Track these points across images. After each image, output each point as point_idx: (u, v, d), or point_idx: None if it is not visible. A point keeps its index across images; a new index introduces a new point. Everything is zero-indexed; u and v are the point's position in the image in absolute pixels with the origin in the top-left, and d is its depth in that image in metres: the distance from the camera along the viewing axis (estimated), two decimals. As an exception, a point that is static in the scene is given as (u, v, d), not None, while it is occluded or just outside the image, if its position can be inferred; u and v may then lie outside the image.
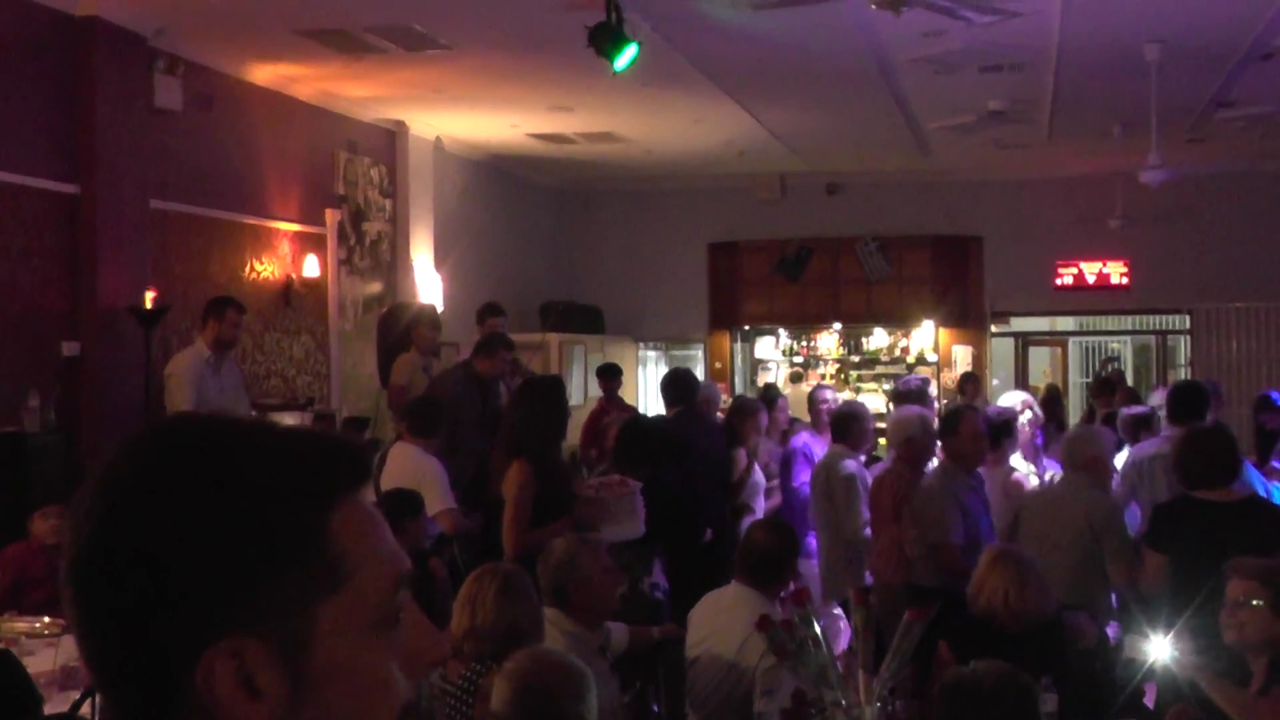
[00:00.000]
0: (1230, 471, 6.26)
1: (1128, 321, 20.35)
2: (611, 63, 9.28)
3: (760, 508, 9.19)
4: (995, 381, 18.46)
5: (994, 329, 19.25)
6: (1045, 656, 4.91)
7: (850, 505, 8.26)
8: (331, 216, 13.06)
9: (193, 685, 1.12)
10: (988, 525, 7.30)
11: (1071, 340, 20.99)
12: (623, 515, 6.97)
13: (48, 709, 4.61)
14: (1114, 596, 7.08)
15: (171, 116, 10.44)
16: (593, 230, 19.63)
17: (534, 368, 12.26)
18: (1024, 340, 19.74)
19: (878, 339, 19.50)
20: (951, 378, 17.21)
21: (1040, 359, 20.47)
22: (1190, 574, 5.72)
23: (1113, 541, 6.78)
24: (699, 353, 19.67)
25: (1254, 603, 4.64)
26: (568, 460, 9.44)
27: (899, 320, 19.09)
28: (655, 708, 6.37)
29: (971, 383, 14.29)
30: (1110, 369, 19.14)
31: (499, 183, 17.20)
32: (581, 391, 15.99)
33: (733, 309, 19.52)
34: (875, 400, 17.13)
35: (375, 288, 13.94)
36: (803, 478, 9.46)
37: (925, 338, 19.10)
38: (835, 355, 19.68)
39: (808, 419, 10.58)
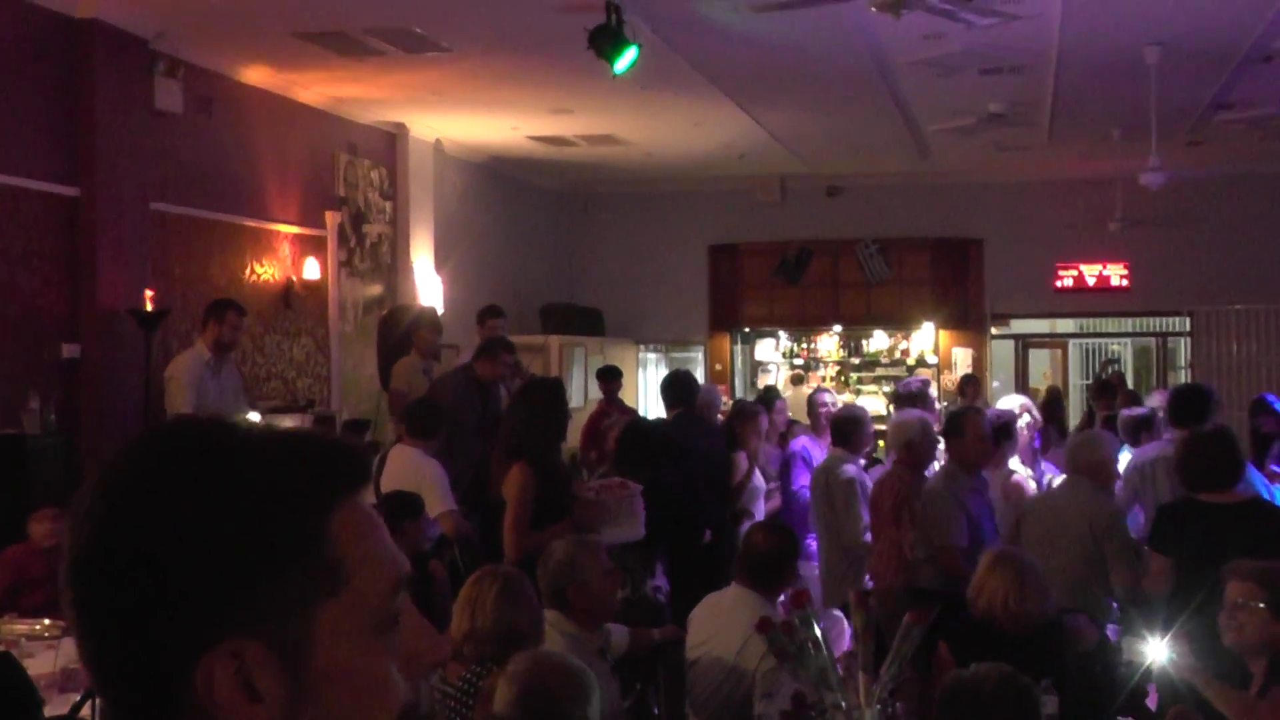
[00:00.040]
0: (1233, 474, 6.26)
1: (1128, 324, 20.34)
2: (611, 65, 9.28)
3: (760, 512, 9.19)
4: (995, 384, 18.46)
5: (994, 331, 19.25)
6: (1045, 659, 4.91)
7: (850, 510, 8.26)
8: (332, 219, 13.07)
9: (192, 687, 1.13)
10: (991, 528, 7.29)
11: (1072, 342, 20.98)
12: (623, 517, 6.97)
13: (48, 711, 4.61)
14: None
15: (172, 119, 10.44)
16: (593, 232, 19.63)
17: (534, 370, 12.26)
18: (1024, 342, 19.74)
19: (878, 341, 19.50)
20: (952, 380, 17.21)
21: (1040, 361, 20.47)
22: (1193, 576, 5.72)
23: (1115, 546, 6.77)
24: (699, 355, 19.67)
25: (1252, 605, 4.64)
26: (567, 462, 9.43)
27: (899, 322, 19.09)
28: (655, 710, 6.37)
29: (971, 385, 14.28)
30: (1110, 371, 19.15)
31: (499, 185, 17.20)
32: (581, 393, 15.99)
33: (733, 311, 19.51)
34: (875, 402, 17.15)
35: (375, 290, 13.94)
36: (802, 481, 9.46)
37: (925, 340, 19.09)
38: (835, 357, 19.68)
39: (807, 422, 10.58)
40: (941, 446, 8.83)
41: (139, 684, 1.15)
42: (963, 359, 18.71)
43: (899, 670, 4.27)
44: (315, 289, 12.64)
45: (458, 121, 14.33)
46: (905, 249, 18.71)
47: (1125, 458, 8.54)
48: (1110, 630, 6.69)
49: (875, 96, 12.94)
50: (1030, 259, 18.39)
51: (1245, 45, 10.92)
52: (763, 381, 18.69)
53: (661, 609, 6.93)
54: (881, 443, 10.44)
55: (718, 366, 19.51)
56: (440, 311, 12.91)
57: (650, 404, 17.56)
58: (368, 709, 1.20)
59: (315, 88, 12.36)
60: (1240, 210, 17.48)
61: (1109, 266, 18.45)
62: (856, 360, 19.57)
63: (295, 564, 1.16)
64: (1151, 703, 6.14)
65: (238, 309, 9.26)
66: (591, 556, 5.37)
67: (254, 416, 8.94)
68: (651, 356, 19.78)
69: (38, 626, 5.93)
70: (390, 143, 14.31)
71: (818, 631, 4.26)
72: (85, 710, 4.54)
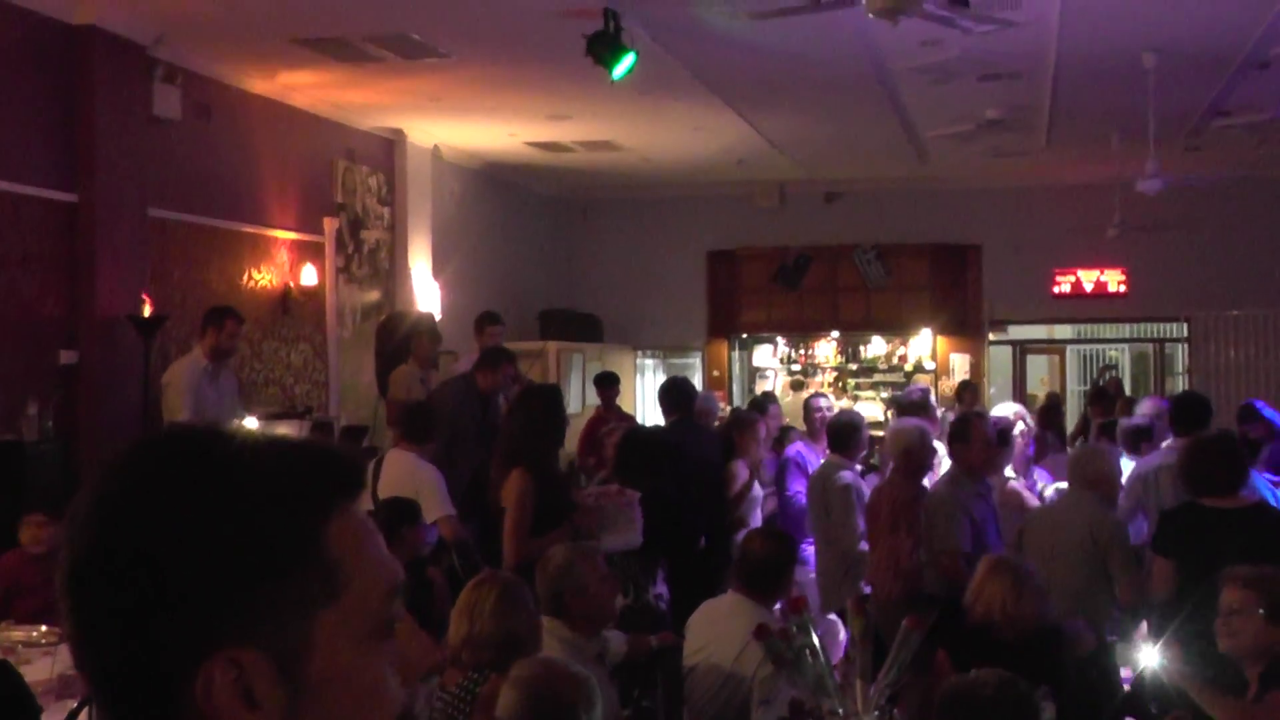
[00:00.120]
0: (1236, 479, 6.24)
1: (1125, 329, 20.38)
2: (610, 71, 9.29)
3: (757, 520, 9.17)
4: (993, 390, 18.46)
5: (992, 337, 19.26)
6: (1043, 664, 4.91)
7: (847, 517, 8.25)
8: (330, 225, 13.07)
9: (191, 693, 1.13)
10: (995, 533, 7.28)
11: (1069, 348, 21.02)
12: (621, 524, 6.97)
13: (45, 718, 4.61)
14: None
15: (170, 125, 10.44)
16: (591, 238, 19.64)
17: (532, 376, 12.26)
18: (1022, 348, 19.75)
19: (876, 347, 19.50)
20: (949, 386, 17.21)
21: (1038, 367, 20.50)
22: (1195, 580, 5.70)
23: (1118, 558, 6.74)
24: (697, 361, 19.68)
25: (1248, 610, 4.64)
26: (565, 469, 9.43)
27: (897, 328, 19.10)
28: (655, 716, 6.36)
29: (969, 391, 14.27)
30: (1108, 377, 19.16)
31: (497, 191, 17.21)
32: (579, 400, 15.99)
33: (731, 317, 19.52)
34: (873, 408, 17.15)
35: (373, 296, 13.94)
36: (796, 486, 9.46)
37: (923, 346, 19.10)
38: (833, 363, 19.68)
39: (804, 427, 10.58)
40: (942, 453, 8.84)
41: (137, 689, 1.15)
42: (960, 365, 18.72)
43: (897, 676, 4.28)
44: (313, 295, 12.64)
45: (456, 128, 14.34)
46: (903, 255, 18.73)
47: (1125, 466, 8.51)
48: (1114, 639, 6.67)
49: (873, 102, 12.95)
50: (1028, 265, 18.41)
51: (1243, 51, 10.93)
52: (761, 387, 18.69)
53: (663, 616, 6.93)
54: (876, 448, 10.43)
55: (715, 372, 19.51)
56: (438, 318, 12.94)
57: (648, 410, 17.55)
58: (365, 715, 1.21)
59: (313, 94, 12.37)
60: (1238, 216, 17.50)
61: (1107, 272, 18.47)
62: (854, 366, 19.57)
63: (293, 570, 1.16)
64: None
65: (236, 316, 9.26)
66: (589, 563, 5.37)
67: (251, 423, 8.95)
68: (649, 362, 19.78)
69: (35, 633, 5.92)
70: (388, 149, 14.31)
71: (815, 638, 4.26)
72: (83, 717, 4.54)
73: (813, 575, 8.68)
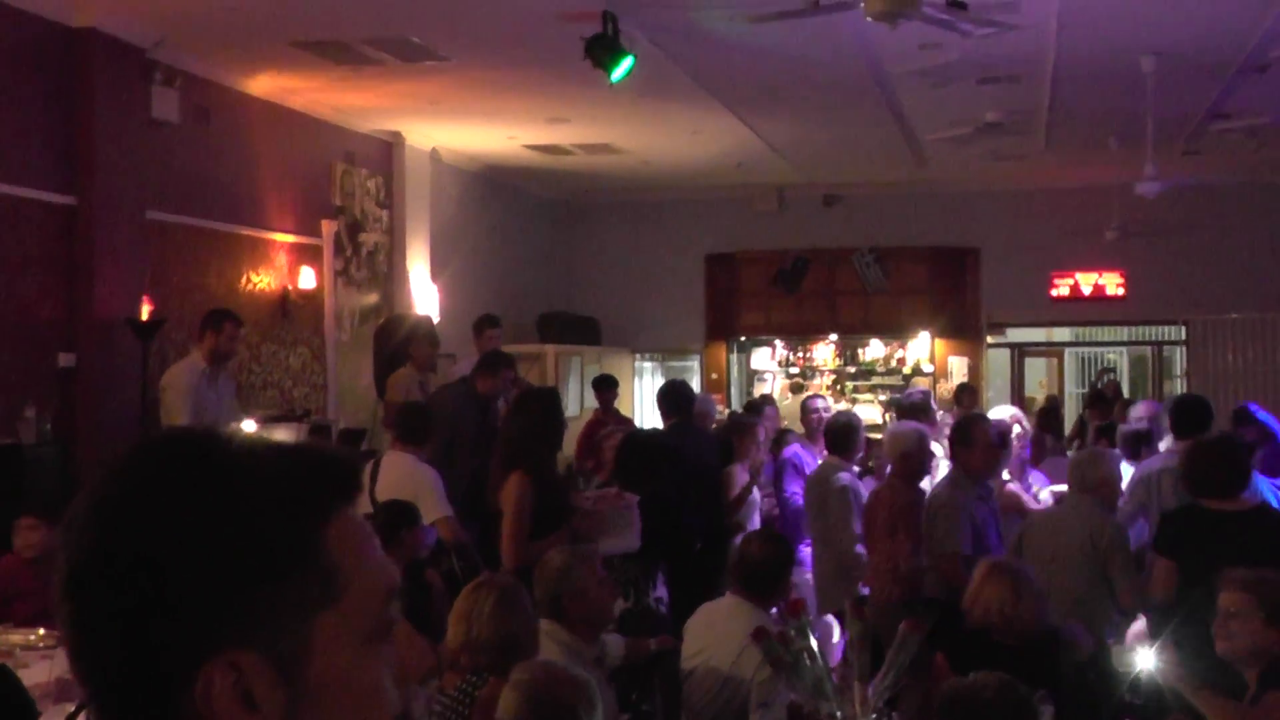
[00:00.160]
0: (1238, 481, 6.23)
1: (1123, 332, 20.40)
2: (608, 74, 9.29)
3: (755, 524, 9.16)
4: (991, 393, 18.47)
5: (990, 340, 19.27)
6: (1041, 668, 4.91)
7: (844, 519, 8.24)
8: (328, 227, 13.07)
9: (189, 697, 1.13)
10: (996, 537, 7.27)
11: (1067, 351, 21.04)
12: (620, 528, 6.96)
13: (43, 721, 4.61)
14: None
15: (169, 128, 10.44)
16: (589, 241, 19.65)
17: (530, 379, 12.26)
18: (1020, 351, 19.76)
19: (874, 350, 19.51)
20: (948, 388, 17.22)
21: (1036, 370, 20.51)
22: (1197, 583, 5.69)
23: (1118, 564, 6.73)
24: (695, 364, 19.69)
25: (1245, 613, 4.64)
26: (563, 472, 9.42)
27: (895, 331, 19.11)
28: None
29: (968, 394, 14.28)
30: (1106, 380, 19.17)
31: (496, 194, 17.21)
32: (578, 403, 16.00)
33: (730, 320, 19.53)
34: (871, 411, 17.15)
35: (372, 299, 13.94)
36: (793, 487, 9.47)
37: (921, 348, 19.11)
38: (832, 366, 19.69)
39: (801, 429, 10.59)
40: (940, 456, 8.84)
41: (136, 692, 1.15)
42: (959, 368, 18.73)
43: (895, 679, 4.28)
44: (311, 298, 12.64)
45: (454, 131, 14.34)
46: (902, 258, 18.75)
47: (1125, 472, 8.47)
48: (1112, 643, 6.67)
49: (872, 106, 12.96)
50: (1026, 268, 18.42)
51: (1241, 54, 10.94)
52: (759, 390, 18.69)
53: (663, 619, 6.93)
54: (874, 451, 10.42)
55: (714, 375, 19.52)
56: (436, 321, 12.93)
57: (647, 413, 17.56)
58: (363, 718, 1.21)
59: (312, 97, 12.37)
60: (1236, 219, 17.51)
61: (1105, 275, 18.48)
62: (852, 369, 19.58)
63: (293, 573, 1.17)
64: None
65: (234, 320, 9.24)
66: (587, 566, 5.36)
67: (249, 426, 8.94)
68: (648, 365, 19.80)
69: (32, 637, 5.92)
70: (387, 152, 14.31)
71: (813, 641, 4.26)
72: (80, 720, 4.54)
73: (809, 576, 8.67)
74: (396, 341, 11.64)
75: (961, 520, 7.07)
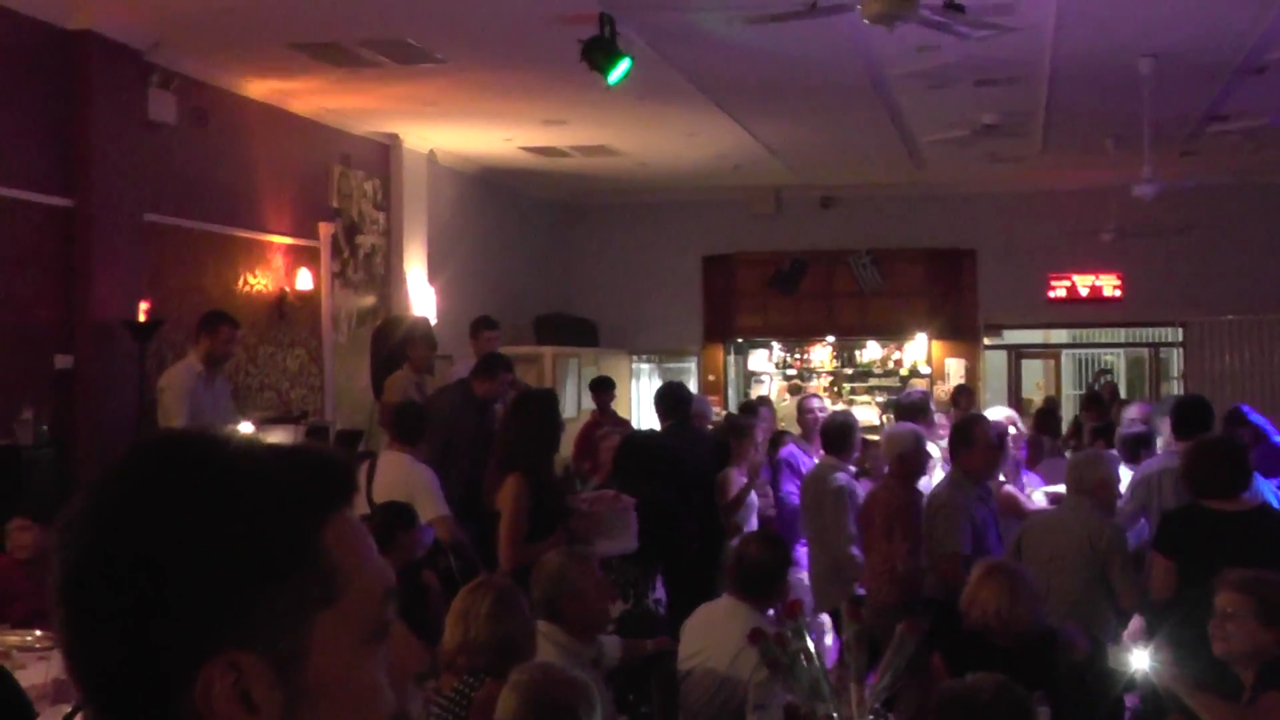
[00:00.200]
0: (1241, 481, 6.23)
1: (1120, 334, 20.41)
2: (605, 76, 9.30)
3: (752, 526, 9.17)
4: (988, 395, 18.47)
5: (987, 342, 19.28)
6: (1038, 669, 4.91)
7: (839, 518, 8.23)
8: (325, 229, 13.07)
9: (188, 698, 1.13)
10: (995, 537, 7.27)
11: (1064, 353, 21.04)
12: (617, 529, 6.97)
13: (40, 723, 4.60)
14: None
15: (166, 130, 10.44)
16: (587, 243, 19.66)
17: (528, 381, 12.25)
18: (1017, 353, 19.77)
19: (871, 351, 19.52)
20: (945, 390, 17.23)
21: (1033, 372, 20.51)
22: (1196, 582, 5.69)
23: (1118, 565, 6.72)
24: (693, 365, 19.70)
25: (1241, 614, 4.64)
26: (561, 474, 9.42)
27: (892, 333, 19.12)
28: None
29: (965, 395, 14.28)
30: (1103, 382, 19.18)
31: (493, 196, 17.21)
32: (575, 405, 15.99)
33: (727, 322, 19.54)
34: (868, 413, 17.16)
35: (369, 301, 13.94)
36: (789, 487, 9.48)
37: (918, 350, 19.12)
38: (829, 368, 19.70)
39: (798, 430, 10.59)
40: (936, 456, 8.84)
41: (135, 693, 1.15)
42: (956, 369, 18.75)
43: (892, 681, 4.28)
44: (308, 300, 12.64)
45: (451, 133, 14.34)
46: (899, 260, 18.77)
47: (1124, 475, 8.45)
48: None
49: (869, 108, 12.96)
50: (1023, 269, 18.44)
51: (1238, 56, 10.95)
52: (756, 392, 18.70)
53: (663, 621, 6.93)
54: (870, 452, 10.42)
55: (711, 377, 19.53)
56: (433, 322, 12.92)
57: (644, 415, 17.55)
58: (360, 718, 1.21)
59: (309, 99, 12.37)
60: (1233, 221, 17.53)
61: (1102, 277, 18.50)
62: (850, 371, 19.60)
63: (292, 573, 1.17)
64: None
65: (231, 322, 9.20)
66: (583, 567, 5.36)
67: (246, 428, 8.94)
68: (645, 367, 19.79)
69: (29, 638, 5.92)
70: (384, 154, 14.32)
71: (810, 643, 4.26)
72: (77, 721, 4.54)
73: (803, 575, 8.66)
74: (394, 343, 11.64)
75: (961, 521, 7.06)
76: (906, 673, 4.36)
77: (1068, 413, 18.87)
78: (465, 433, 9.07)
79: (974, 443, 7.37)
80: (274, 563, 1.16)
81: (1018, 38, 9.87)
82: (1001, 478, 8.73)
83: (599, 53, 9.15)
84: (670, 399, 9.58)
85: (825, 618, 7.83)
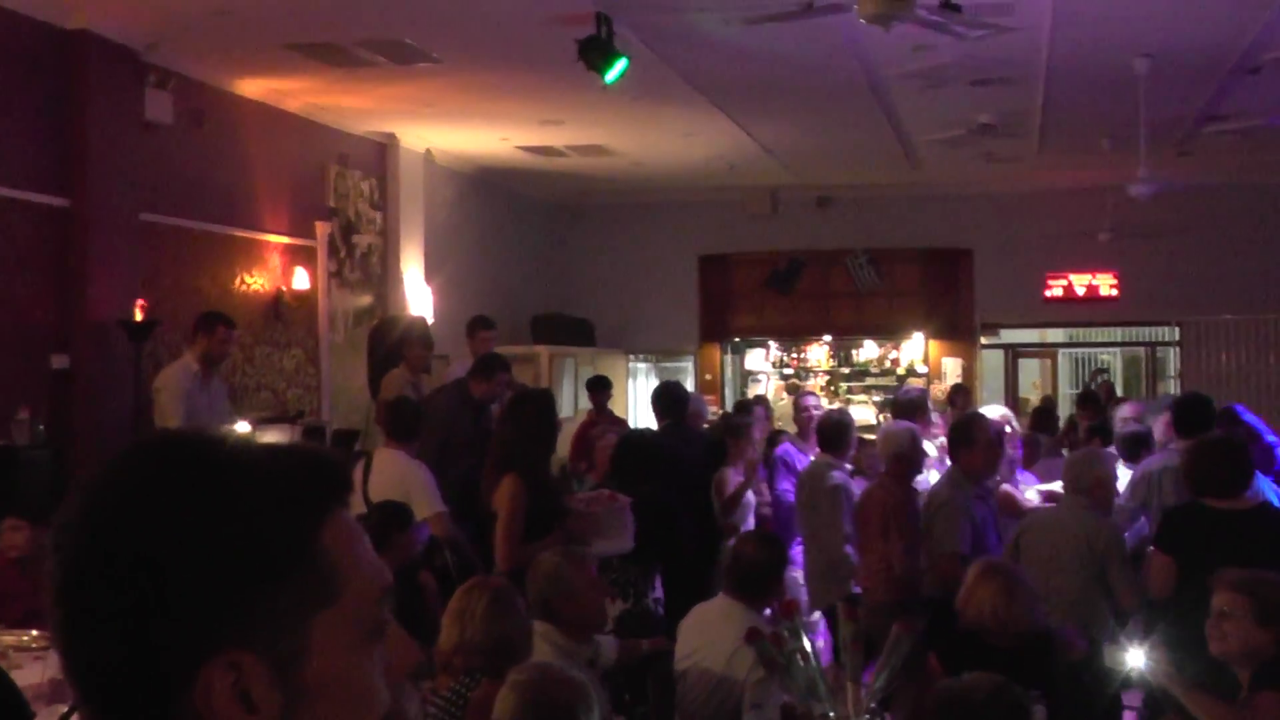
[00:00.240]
0: (1242, 480, 6.22)
1: (1117, 333, 20.42)
2: (602, 76, 9.30)
3: (749, 525, 9.18)
4: (985, 394, 18.47)
5: (984, 341, 19.28)
6: (1034, 669, 4.92)
7: (834, 518, 8.23)
8: (322, 229, 13.06)
9: (187, 699, 1.13)
10: (994, 537, 7.26)
11: (1061, 352, 21.05)
12: (613, 530, 6.97)
13: (36, 723, 4.60)
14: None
15: (162, 130, 10.43)
16: (583, 243, 19.65)
17: (524, 380, 12.25)
18: (1014, 352, 19.78)
19: (868, 351, 19.53)
20: (942, 389, 17.23)
21: (1030, 371, 20.52)
22: (1196, 580, 5.69)
23: (1116, 565, 6.71)
24: (689, 365, 19.69)
25: (1237, 614, 4.64)
26: (557, 473, 9.43)
27: (889, 332, 19.13)
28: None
29: (961, 394, 14.28)
30: (1100, 381, 19.18)
31: (490, 196, 17.21)
32: (571, 404, 16.00)
33: (723, 321, 19.55)
34: (865, 412, 17.17)
35: (365, 300, 13.94)
36: (785, 484, 9.48)
37: (915, 350, 19.13)
38: (825, 367, 19.71)
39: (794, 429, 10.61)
40: (932, 455, 8.84)
41: (133, 694, 1.15)
42: (952, 369, 18.75)
43: (888, 681, 4.28)
44: (305, 300, 12.63)
45: (448, 132, 14.34)
46: (895, 259, 18.78)
47: (1122, 474, 8.44)
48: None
49: (866, 108, 12.97)
50: (1020, 269, 18.45)
51: (1234, 57, 10.96)
52: (753, 391, 18.70)
53: (662, 621, 6.94)
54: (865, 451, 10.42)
55: (708, 376, 19.54)
56: (430, 322, 12.91)
57: (640, 414, 17.55)
58: (357, 718, 1.22)
59: (306, 99, 12.37)
60: (1229, 221, 17.53)
61: (1098, 277, 18.51)
62: (846, 370, 19.61)
63: (293, 573, 1.17)
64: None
65: (227, 323, 9.20)
66: (578, 567, 5.37)
67: (242, 428, 8.93)
68: (642, 367, 19.79)
69: (25, 638, 5.90)
70: (380, 153, 14.31)
71: (806, 643, 4.26)
72: (74, 721, 4.53)
73: (797, 573, 8.66)
74: (390, 343, 11.62)
75: (961, 520, 7.05)
76: (903, 672, 4.36)
77: (1064, 412, 18.89)
78: (462, 433, 9.06)
79: (975, 442, 7.36)
80: (274, 562, 1.16)
81: (1014, 38, 9.88)
82: (998, 477, 8.74)
83: (595, 53, 9.15)
84: (667, 398, 9.59)
85: (818, 616, 7.83)
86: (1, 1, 8.82)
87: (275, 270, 12.20)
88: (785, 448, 9.99)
